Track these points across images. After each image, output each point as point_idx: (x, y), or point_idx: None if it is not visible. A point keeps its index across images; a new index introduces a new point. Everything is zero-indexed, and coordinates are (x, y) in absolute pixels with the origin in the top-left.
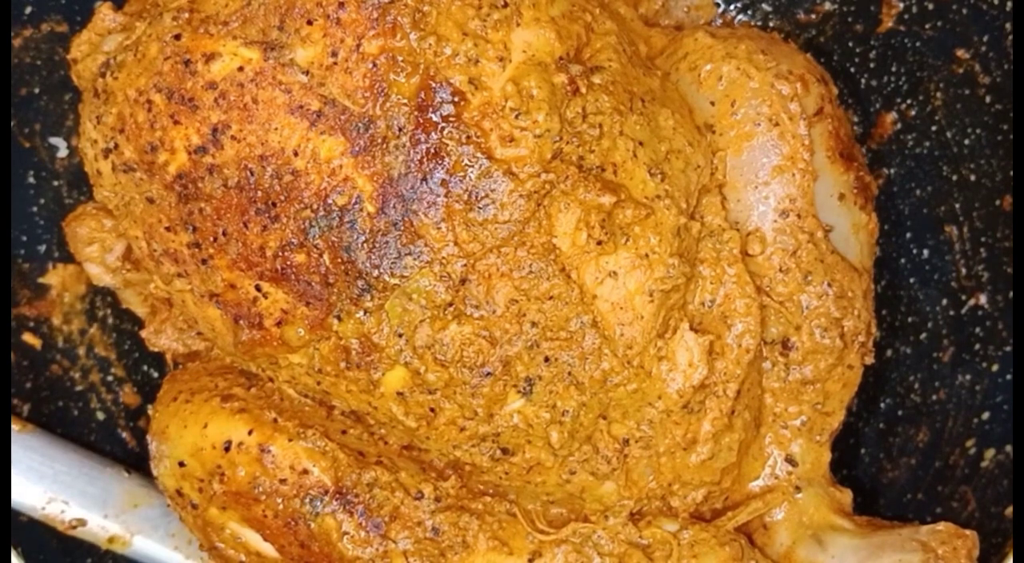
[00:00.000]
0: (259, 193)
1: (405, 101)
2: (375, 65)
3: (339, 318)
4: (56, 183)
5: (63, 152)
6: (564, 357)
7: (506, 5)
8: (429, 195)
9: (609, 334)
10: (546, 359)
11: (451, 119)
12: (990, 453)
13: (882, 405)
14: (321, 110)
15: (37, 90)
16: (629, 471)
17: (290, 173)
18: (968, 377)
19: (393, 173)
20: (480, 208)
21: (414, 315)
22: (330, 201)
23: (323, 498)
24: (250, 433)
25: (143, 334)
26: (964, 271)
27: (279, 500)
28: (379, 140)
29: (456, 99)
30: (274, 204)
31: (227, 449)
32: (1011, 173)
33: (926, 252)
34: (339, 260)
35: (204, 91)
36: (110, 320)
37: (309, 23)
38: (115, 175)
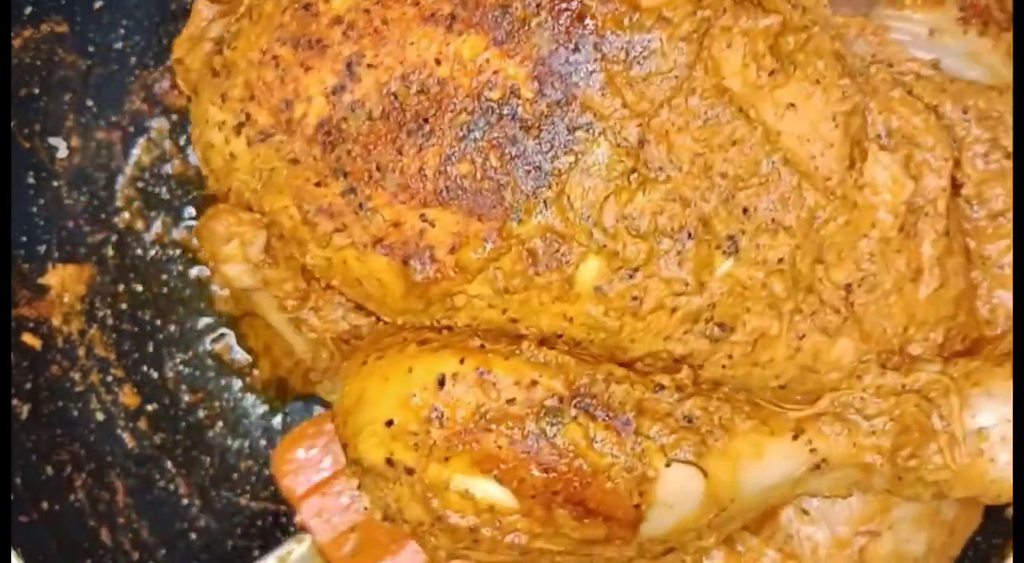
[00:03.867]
0: (407, 114)
1: None
2: None
3: (519, 220)
4: (56, 183)
5: (63, 152)
6: (763, 204)
7: None
8: (585, 64)
9: (805, 168)
10: (744, 210)
11: None
12: None
13: None
14: (454, 12)
15: (37, 90)
16: (860, 321)
17: (436, 83)
18: None
19: (542, 52)
20: (640, 64)
21: (598, 191)
22: (485, 98)
23: (560, 408)
24: (462, 362)
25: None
26: None
27: (511, 425)
28: (519, 24)
29: None
30: (425, 120)
31: (441, 384)
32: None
33: None
34: (507, 156)
35: (330, 28)
36: (110, 321)
37: None
38: (252, 150)
